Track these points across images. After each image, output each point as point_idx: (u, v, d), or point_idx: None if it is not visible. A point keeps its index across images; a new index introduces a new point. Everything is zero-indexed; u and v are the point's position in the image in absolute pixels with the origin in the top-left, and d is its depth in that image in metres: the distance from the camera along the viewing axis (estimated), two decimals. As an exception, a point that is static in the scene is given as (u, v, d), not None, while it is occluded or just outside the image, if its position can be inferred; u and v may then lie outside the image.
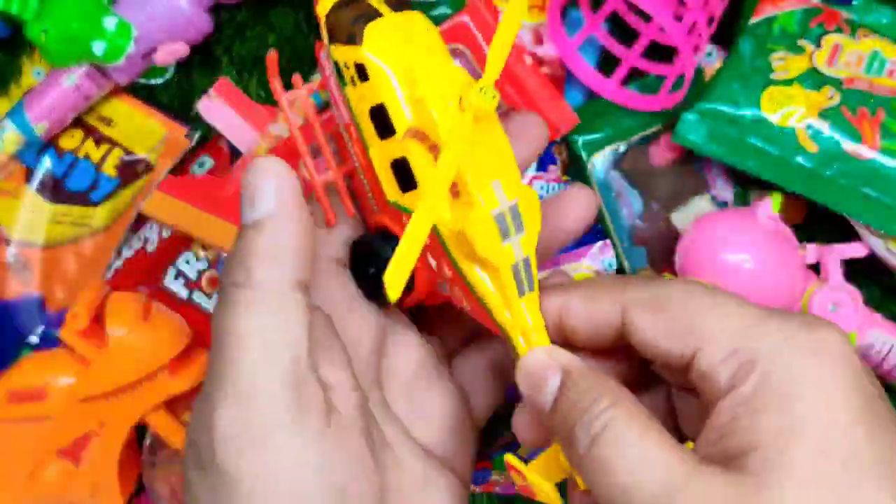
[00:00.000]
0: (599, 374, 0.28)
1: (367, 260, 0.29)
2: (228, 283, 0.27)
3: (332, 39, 0.28)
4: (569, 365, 0.28)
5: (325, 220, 0.30)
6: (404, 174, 0.28)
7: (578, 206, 0.34)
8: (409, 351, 0.33)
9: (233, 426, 0.25)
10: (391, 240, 0.28)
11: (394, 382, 0.33)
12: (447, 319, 0.35)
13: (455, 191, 0.27)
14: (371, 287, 0.30)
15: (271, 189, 0.28)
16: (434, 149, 0.27)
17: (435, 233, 0.28)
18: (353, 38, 0.27)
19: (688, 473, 0.24)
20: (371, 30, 0.27)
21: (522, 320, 0.29)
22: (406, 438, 0.32)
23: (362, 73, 0.28)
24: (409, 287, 0.29)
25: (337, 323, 0.30)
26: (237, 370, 0.26)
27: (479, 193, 0.27)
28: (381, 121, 0.28)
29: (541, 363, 0.28)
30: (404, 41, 0.28)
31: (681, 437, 0.30)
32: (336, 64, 0.28)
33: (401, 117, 0.28)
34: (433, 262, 0.29)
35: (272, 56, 0.30)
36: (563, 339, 0.30)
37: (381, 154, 0.28)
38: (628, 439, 0.25)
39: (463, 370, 0.35)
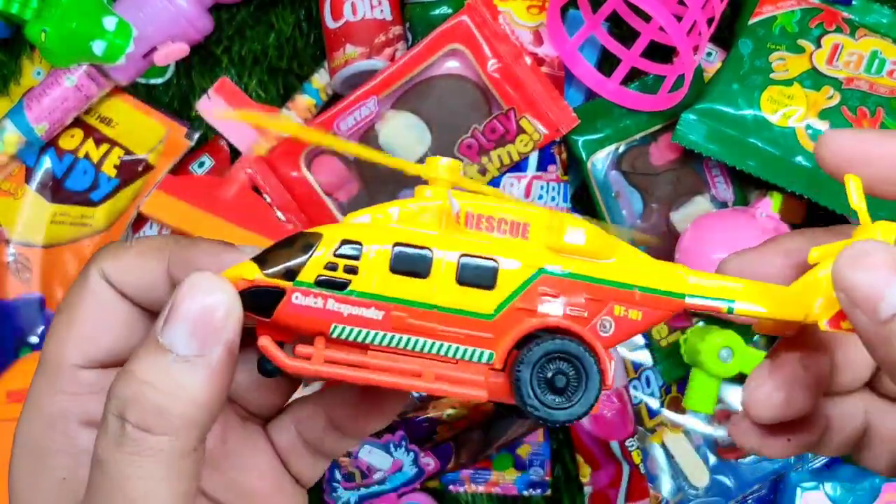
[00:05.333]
0: None
1: (552, 368, 0.27)
2: None
3: (293, 277, 0.26)
4: None
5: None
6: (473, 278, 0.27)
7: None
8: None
9: None
10: (546, 334, 0.27)
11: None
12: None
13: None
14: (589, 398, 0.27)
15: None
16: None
17: (583, 279, 0.29)
18: (310, 246, 0.27)
19: None
20: (325, 229, 0.27)
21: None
22: None
23: (352, 251, 0.27)
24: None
25: None
26: None
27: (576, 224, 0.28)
28: (409, 264, 0.27)
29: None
30: (355, 213, 0.28)
31: None
32: (321, 282, 0.27)
33: (424, 236, 0.27)
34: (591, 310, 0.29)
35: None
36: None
37: (441, 289, 0.27)
38: None
39: (279, 433, 0.33)
